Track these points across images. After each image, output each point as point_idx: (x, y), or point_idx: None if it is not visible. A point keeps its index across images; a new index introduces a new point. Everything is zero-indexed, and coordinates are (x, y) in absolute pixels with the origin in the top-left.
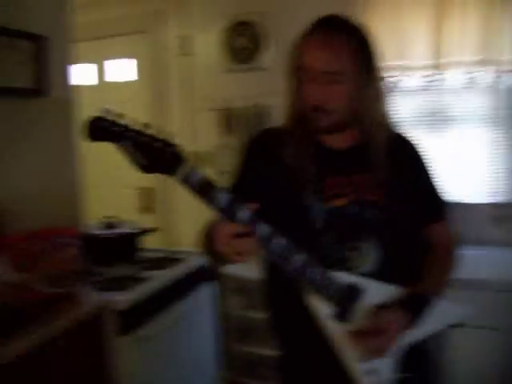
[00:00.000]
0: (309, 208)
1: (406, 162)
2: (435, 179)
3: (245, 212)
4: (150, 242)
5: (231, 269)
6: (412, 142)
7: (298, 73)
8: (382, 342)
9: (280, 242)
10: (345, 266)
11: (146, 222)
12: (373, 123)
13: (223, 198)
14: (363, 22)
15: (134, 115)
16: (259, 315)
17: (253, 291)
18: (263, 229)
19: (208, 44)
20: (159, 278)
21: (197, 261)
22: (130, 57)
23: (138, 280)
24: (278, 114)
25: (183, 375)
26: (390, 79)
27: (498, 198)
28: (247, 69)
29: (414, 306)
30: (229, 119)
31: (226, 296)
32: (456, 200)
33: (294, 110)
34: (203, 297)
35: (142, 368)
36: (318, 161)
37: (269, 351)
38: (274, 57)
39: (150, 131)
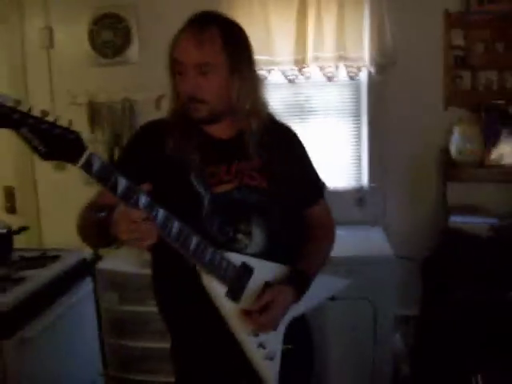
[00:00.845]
0: (194, 195)
1: (284, 148)
2: (313, 163)
3: (142, 197)
4: (16, 243)
5: (105, 264)
6: (290, 129)
7: (173, 67)
8: (270, 317)
9: (176, 225)
10: (234, 247)
11: (9, 222)
12: (249, 113)
13: (121, 184)
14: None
15: None
16: (135, 309)
17: (127, 285)
18: (161, 213)
19: (71, 37)
20: (38, 277)
21: (74, 257)
22: None
23: (15, 281)
24: (144, 109)
25: (68, 374)
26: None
27: (360, 183)
28: (113, 63)
29: (297, 283)
30: (94, 114)
31: (101, 291)
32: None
33: (175, 102)
34: (83, 293)
35: (26, 370)
36: (200, 150)
37: (154, 344)
38: (140, 51)
39: (49, 119)
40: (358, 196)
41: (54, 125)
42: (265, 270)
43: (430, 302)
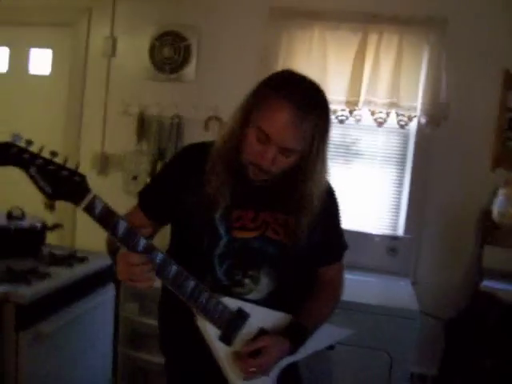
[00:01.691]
0: (213, 233)
1: (322, 210)
2: (341, 223)
3: (141, 241)
4: (49, 239)
5: None
6: (330, 187)
7: (256, 131)
8: (260, 362)
9: (173, 269)
10: (238, 290)
11: (46, 218)
12: (311, 193)
13: (121, 228)
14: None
15: (45, 109)
16: (153, 322)
17: (149, 297)
18: (159, 257)
19: (133, 48)
20: (63, 275)
21: (100, 262)
22: (49, 48)
23: (41, 275)
24: (192, 128)
25: (77, 376)
26: None
27: (395, 232)
28: (169, 79)
29: (294, 336)
30: (143, 126)
31: (122, 300)
32: (357, 229)
33: (233, 144)
34: (104, 299)
35: (37, 364)
36: (233, 190)
37: (160, 359)
38: (197, 71)
39: (56, 160)
40: (391, 245)
41: (61, 167)
42: (262, 317)
43: (450, 364)
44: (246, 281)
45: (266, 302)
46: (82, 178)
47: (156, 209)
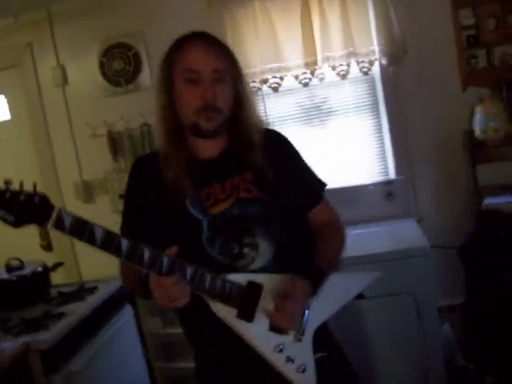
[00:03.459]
0: (192, 222)
1: (276, 154)
2: (309, 165)
3: (124, 243)
4: (55, 279)
5: None
6: (280, 134)
7: (184, 75)
8: (288, 306)
9: (166, 260)
10: (241, 263)
11: (47, 259)
12: (251, 123)
13: (98, 233)
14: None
15: (15, 155)
16: (179, 330)
17: (168, 309)
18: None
19: (83, 71)
20: (78, 311)
21: (111, 287)
22: (0, 94)
23: (56, 316)
24: None
25: None
26: (270, 81)
27: (387, 177)
28: (127, 91)
29: (312, 277)
30: (115, 143)
31: (144, 317)
32: (350, 184)
33: (169, 124)
34: (124, 321)
35: None
36: (191, 174)
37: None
38: (152, 76)
39: (11, 187)
40: (387, 190)
41: (17, 192)
42: (274, 284)
43: (474, 287)
44: (245, 250)
45: (274, 266)
46: (42, 197)
47: (142, 233)
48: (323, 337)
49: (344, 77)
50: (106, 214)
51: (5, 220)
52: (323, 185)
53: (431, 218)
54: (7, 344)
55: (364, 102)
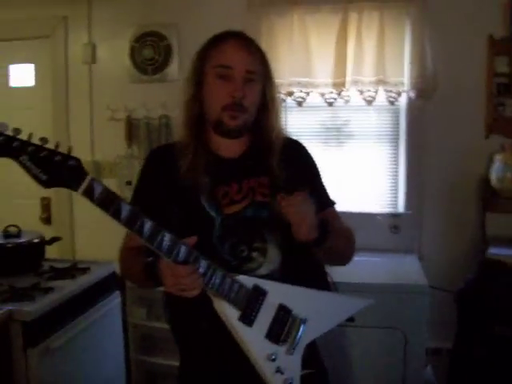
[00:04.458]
0: (206, 218)
1: (296, 165)
2: (324, 180)
3: (147, 223)
4: (48, 253)
5: None
6: (299, 142)
7: (217, 71)
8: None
9: (183, 249)
10: (248, 266)
11: (44, 232)
12: (273, 129)
13: (125, 210)
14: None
15: (33, 124)
16: (163, 325)
17: (156, 301)
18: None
19: (113, 53)
20: (67, 288)
21: (103, 270)
22: (30, 62)
23: (44, 290)
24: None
25: None
26: (296, 94)
27: (396, 209)
28: (152, 80)
29: (320, 223)
30: (131, 130)
31: (130, 306)
32: (357, 210)
33: (192, 116)
34: (111, 307)
35: (49, 380)
36: (210, 171)
37: (174, 362)
38: (180, 70)
39: (48, 146)
40: (393, 223)
41: (53, 152)
42: (281, 293)
43: (464, 335)
44: (254, 254)
45: (281, 274)
46: (77, 161)
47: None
48: (311, 354)
49: (370, 103)
50: None
51: (36, 178)
52: (332, 202)
53: (433, 258)
54: None
55: (385, 130)
